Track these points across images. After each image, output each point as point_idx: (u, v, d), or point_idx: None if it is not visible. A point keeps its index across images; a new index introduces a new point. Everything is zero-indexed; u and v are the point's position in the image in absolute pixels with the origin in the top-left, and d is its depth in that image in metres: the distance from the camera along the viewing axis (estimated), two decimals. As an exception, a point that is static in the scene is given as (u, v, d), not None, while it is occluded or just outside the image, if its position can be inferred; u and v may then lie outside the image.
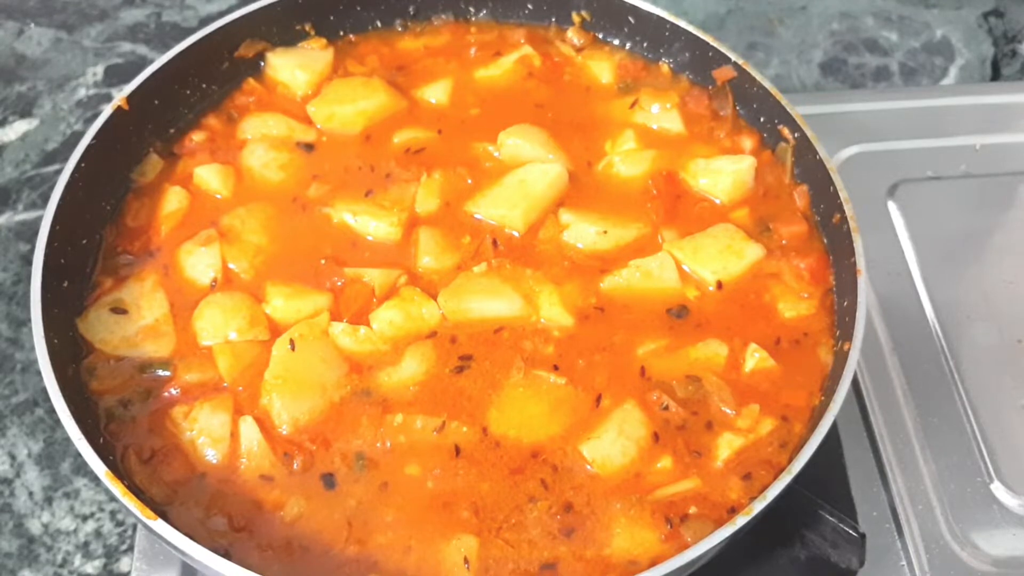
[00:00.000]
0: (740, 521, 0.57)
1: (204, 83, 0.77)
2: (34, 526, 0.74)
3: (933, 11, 1.11)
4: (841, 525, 0.67)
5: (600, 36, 0.84)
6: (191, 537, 0.55)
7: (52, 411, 0.61)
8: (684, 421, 0.64)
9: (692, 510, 0.61)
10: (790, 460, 0.60)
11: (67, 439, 0.72)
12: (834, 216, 0.70)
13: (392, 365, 0.66)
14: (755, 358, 0.66)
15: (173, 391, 0.64)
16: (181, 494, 0.61)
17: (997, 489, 0.74)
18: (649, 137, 0.78)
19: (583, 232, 0.71)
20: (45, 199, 0.67)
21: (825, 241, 0.72)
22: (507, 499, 0.62)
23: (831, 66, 1.05)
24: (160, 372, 0.65)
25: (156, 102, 0.74)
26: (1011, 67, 1.06)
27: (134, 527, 0.74)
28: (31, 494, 0.75)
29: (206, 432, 0.62)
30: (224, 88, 0.78)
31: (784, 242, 0.72)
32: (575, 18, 0.84)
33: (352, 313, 0.67)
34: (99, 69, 1.01)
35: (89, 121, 0.89)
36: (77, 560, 0.72)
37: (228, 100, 0.78)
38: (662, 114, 0.79)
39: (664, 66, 0.82)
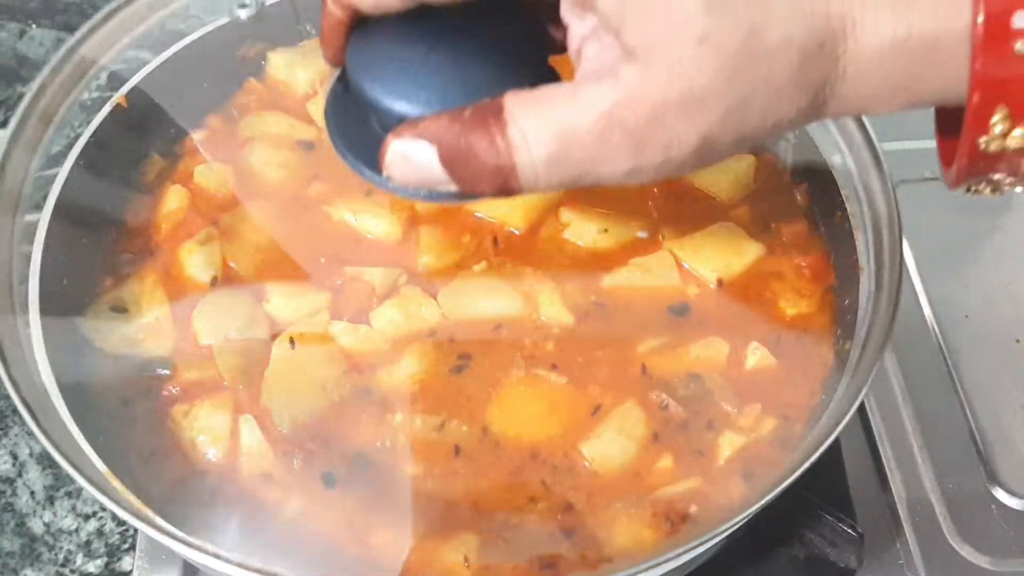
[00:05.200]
0: (739, 520, 0.57)
1: (205, 82, 0.77)
2: (36, 525, 0.74)
3: (932, 13, 1.11)
4: (840, 524, 0.67)
5: (600, 36, 0.84)
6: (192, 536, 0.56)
7: (53, 410, 0.61)
8: (685, 420, 0.64)
9: (693, 509, 0.61)
10: (791, 459, 0.60)
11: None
12: (835, 215, 0.70)
13: (392, 364, 0.65)
14: (756, 356, 0.66)
15: (173, 390, 0.64)
16: (181, 493, 0.61)
17: (995, 489, 0.74)
18: (649, 137, 0.78)
19: (584, 230, 0.71)
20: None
21: (826, 239, 0.72)
22: (507, 498, 0.61)
23: (831, 67, 1.05)
24: (160, 371, 0.65)
25: (156, 101, 0.74)
26: (1010, 68, 1.06)
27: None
28: (33, 493, 0.75)
29: (206, 431, 0.62)
30: (225, 87, 0.78)
31: (785, 240, 0.72)
32: (575, 18, 0.84)
33: (352, 312, 0.67)
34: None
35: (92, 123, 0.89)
36: (79, 559, 0.72)
37: (229, 99, 0.78)
38: (663, 113, 0.79)
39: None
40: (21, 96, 0.98)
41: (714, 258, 0.70)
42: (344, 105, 0.52)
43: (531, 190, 0.45)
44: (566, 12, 0.46)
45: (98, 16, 0.70)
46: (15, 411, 0.78)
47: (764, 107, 0.43)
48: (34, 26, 1.05)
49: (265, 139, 0.75)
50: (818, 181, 0.73)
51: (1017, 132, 0.42)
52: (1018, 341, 0.81)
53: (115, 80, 0.99)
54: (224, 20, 0.77)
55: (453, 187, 0.45)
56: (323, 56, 0.52)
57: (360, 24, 0.49)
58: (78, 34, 0.69)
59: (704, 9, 0.40)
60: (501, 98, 0.44)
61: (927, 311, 0.82)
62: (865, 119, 0.69)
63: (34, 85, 0.67)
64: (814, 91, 0.43)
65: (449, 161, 0.44)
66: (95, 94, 0.99)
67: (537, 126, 0.43)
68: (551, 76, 0.50)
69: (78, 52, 0.70)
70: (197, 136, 0.76)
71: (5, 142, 0.66)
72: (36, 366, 0.61)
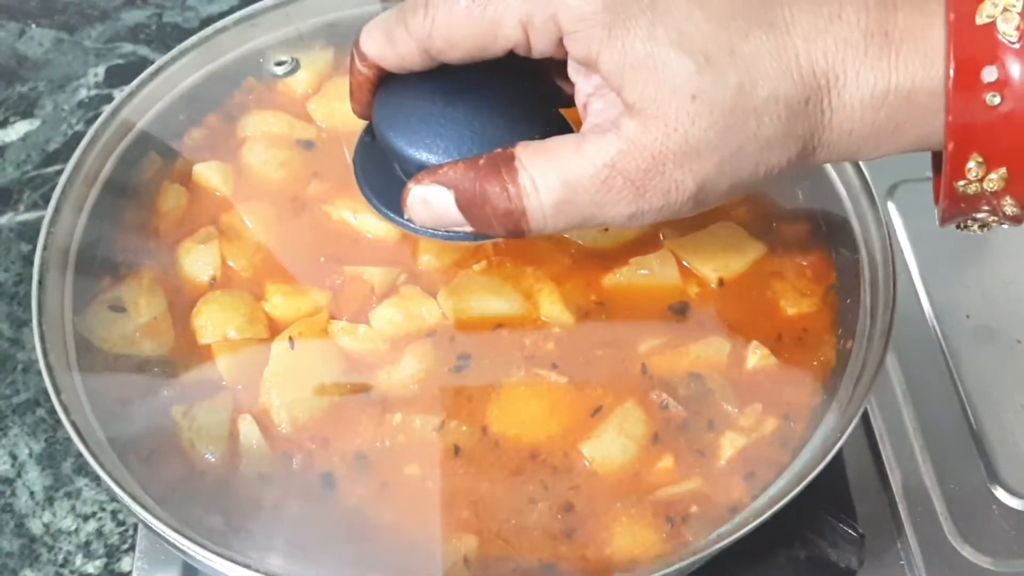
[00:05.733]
0: (749, 524, 0.57)
1: (204, 80, 0.77)
2: (35, 526, 0.74)
3: (933, 12, 1.11)
4: (841, 525, 0.67)
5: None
6: (190, 535, 0.56)
7: (53, 411, 0.61)
8: (685, 420, 0.64)
9: (694, 509, 0.61)
10: (795, 465, 0.61)
11: (68, 439, 0.72)
12: (836, 214, 0.70)
13: (391, 364, 0.65)
14: (756, 355, 0.66)
15: (172, 390, 0.64)
16: (180, 493, 0.61)
17: (996, 489, 0.73)
18: (650, 136, 0.77)
19: (584, 230, 0.71)
20: (46, 199, 0.68)
21: (827, 239, 0.72)
22: (507, 499, 0.61)
23: (831, 67, 1.05)
24: (159, 370, 0.65)
25: (155, 99, 0.74)
26: (1011, 68, 1.06)
27: (135, 527, 0.74)
28: (32, 494, 0.75)
29: (205, 431, 0.62)
30: (224, 86, 0.78)
31: (786, 239, 0.72)
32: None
33: (352, 311, 0.66)
34: (100, 70, 1.01)
35: (90, 122, 0.90)
36: (79, 560, 0.72)
37: (228, 98, 0.77)
38: (663, 114, 0.79)
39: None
40: (21, 95, 0.99)
41: (715, 257, 0.70)
42: (370, 153, 0.57)
43: (540, 232, 0.49)
44: (573, 72, 0.50)
45: (136, 81, 0.73)
46: (15, 411, 0.78)
47: (756, 157, 0.46)
48: (33, 25, 1.05)
49: (264, 138, 0.75)
50: (819, 181, 0.72)
51: (993, 176, 0.45)
52: (1019, 341, 0.81)
53: (113, 78, 0.99)
54: (222, 18, 0.77)
55: (469, 228, 0.50)
56: (351, 109, 0.56)
57: (385, 79, 0.53)
58: (119, 98, 0.72)
59: (696, 69, 0.44)
60: (513, 148, 0.48)
61: (927, 311, 0.82)
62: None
63: (79, 149, 0.70)
64: (803, 142, 0.47)
65: (465, 205, 0.49)
66: (93, 92, 0.99)
67: (545, 175, 0.47)
68: (559, 125, 0.55)
69: (119, 116, 0.72)
70: (196, 135, 0.75)
71: (54, 202, 0.67)
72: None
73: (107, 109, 0.71)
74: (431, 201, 0.49)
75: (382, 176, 0.56)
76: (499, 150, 0.49)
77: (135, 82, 0.73)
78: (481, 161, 0.48)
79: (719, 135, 0.45)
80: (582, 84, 0.49)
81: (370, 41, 0.51)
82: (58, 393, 0.60)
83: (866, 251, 0.69)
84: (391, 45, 0.50)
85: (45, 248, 0.65)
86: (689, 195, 0.47)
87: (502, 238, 0.51)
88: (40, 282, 0.64)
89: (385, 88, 0.54)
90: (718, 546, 0.57)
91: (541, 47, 0.49)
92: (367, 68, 0.53)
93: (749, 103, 0.45)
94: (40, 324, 0.62)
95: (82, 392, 0.62)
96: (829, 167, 0.72)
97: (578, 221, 0.48)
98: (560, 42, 0.48)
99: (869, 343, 0.65)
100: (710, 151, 0.45)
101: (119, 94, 0.72)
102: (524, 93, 0.53)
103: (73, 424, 0.59)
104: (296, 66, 0.78)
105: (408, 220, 0.53)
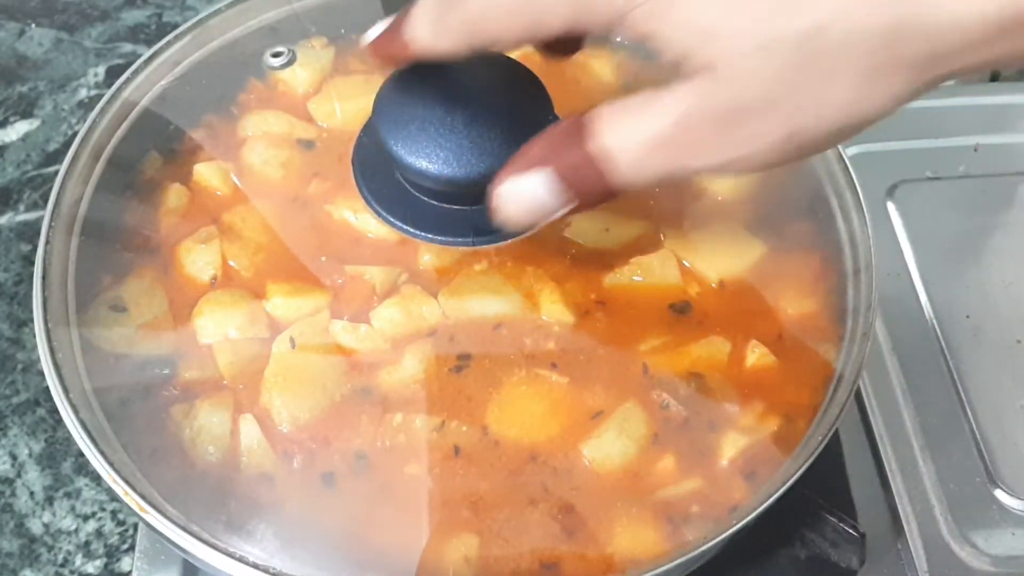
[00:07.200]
0: (742, 522, 0.57)
1: (204, 79, 0.77)
2: (35, 526, 0.74)
3: (932, 13, 1.11)
4: (841, 525, 0.67)
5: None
6: (191, 535, 0.56)
7: (53, 411, 0.61)
8: (686, 420, 0.64)
9: (695, 509, 0.61)
10: (793, 459, 0.60)
11: (68, 439, 0.72)
12: (832, 214, 0.70)
13: (392, 364, 0.65)
14: (755, 354, 0.66)
15: (173, 389, 0.64)
16: (181, 492, 0.61)
17: (996, 489, 0.74)
18: (650, 136, 0.77)
19: (585, 229, 0.70)
20: (46, 199, 0.68)
21: (827, 238, 0.72)
22: (507, 499, 0.61)
23: (831, 68, 1.05)
24: (159, 370, 0.65)
25: (156, 98, 0.74)
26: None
27: (135, 527, 0.74)
28: (32, 494, 0.75)
29: (206, 430, 0.62)
30: (225, 85, 0.78)
31: (787, 239, 0.72)
32: (576, 18, 0.84)
33: (353, 311, 0.66)
34: (100, 70, 1.01)
35: (91, 122, 0.90)
36: (78, 560, 0.72)
37: (228, 97, 0.77)
38: (664, 113, 0.79)
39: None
40: (21, 95, 0.99)
41: (716, 257, 0.70)
42: (369, 154, 0.59)
43: (632, 187, 0.48)
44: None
45: (140, 60, 0.74)
46: (14, 411, 0.78)
47: (852, 95, 0.43)
48: (33, 25, 1.05)
49: (265, 138, 0.75)
50: (820, 181, 0.72)
51: None
52: (1019, 341, 0.81)
53: (113, 78, 0.99)
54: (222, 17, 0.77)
55: (567, 208, 0.49)
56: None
57: (388, 84, 0.55)
58: (123, 77, 0.73)
59: (758, 22, 0.42)
60: (583, 116, 0.47)
61: (927, 311, 0.82)
62: (849, 164, 0.71)
63: (85, 124, 0.71)
64: (915, 68, 0.43)
65: (567, 174, 0.47)
66: (93, 92, 0.99)
67: (620, 133, 0.46)
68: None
69: (122, 95, 0.73)
70: (196, 134, 0.75)
71: (61, 176, 0.68)
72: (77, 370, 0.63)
73: (102, 100, 0.72)
74: (525, 191, 0.49)
75: (381, 178, 0.59)
76: (574, 117, 0.47)
77: (132, 68, 0.74)
78: (561, 129, 0.47)
79: (791, 81, 0.43)
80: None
81: (418, 30, 0.50)
82: (66, 392, 0.60)
83: (851, 251, 0.69)
84: (436, 37, 0.49)
85: (46, 246, 0.65)
86: (779, 142, 0.45)
87: (589, 208, 0.49)
88: (43, 280, 0.64)
89: (384, 93, 0.56)
90: (716, 541, 0.57)
91: (586, 28, 0.47)
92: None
93: (826, 44, 0.41)
94: (45, 323, 0.62)
95: (85, 390, 0.62)
96: (817, 166, 0.72)
97: (666, 173, 0.47)
98: (609, 24, 0.46)
99: (850, 346, 0.65)
100: (787, 98, 0.43)
101: (113, 84, 0.73)
102: (522, 100, 0.55)
103: (83, 424, 0.59)
104: (293, 58, 0.77)
105: (499, 224, 0.53)
